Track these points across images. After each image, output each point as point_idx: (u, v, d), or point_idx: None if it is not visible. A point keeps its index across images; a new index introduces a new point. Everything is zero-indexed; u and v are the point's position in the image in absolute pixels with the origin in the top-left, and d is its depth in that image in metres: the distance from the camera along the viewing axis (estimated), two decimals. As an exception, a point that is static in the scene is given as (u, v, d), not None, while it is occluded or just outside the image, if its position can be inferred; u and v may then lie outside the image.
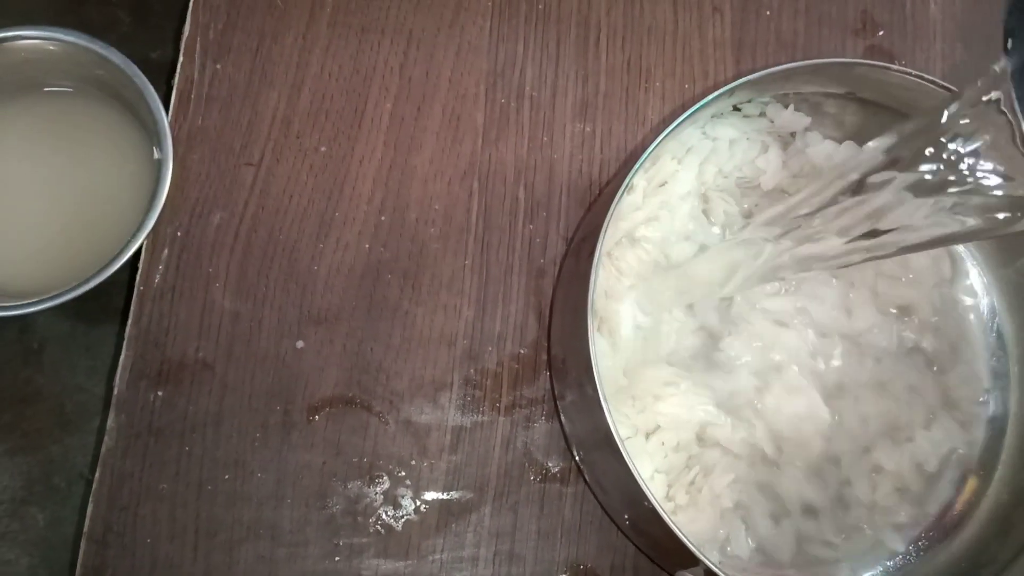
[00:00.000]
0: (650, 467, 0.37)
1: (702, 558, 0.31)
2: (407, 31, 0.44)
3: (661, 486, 0.37)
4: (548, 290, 0.42)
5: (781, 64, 0.37)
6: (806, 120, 0.41)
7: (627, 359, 0.38)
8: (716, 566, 0.31)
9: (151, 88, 0.39)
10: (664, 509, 0.31)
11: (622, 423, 0.37)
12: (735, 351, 0.39)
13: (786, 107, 0.40)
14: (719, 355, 0.39)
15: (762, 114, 0.41)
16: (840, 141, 0.41)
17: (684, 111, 0.35)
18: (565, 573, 0.39)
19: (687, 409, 0.37)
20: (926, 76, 0.36)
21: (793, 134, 0.42)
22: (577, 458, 0.40)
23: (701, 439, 0.38)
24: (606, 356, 0.38)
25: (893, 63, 0.46)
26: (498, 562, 0.39)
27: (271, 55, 0.43)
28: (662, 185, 0.40)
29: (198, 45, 0.43)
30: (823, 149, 0.41)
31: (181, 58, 0.43)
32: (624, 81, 0.44)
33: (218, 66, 0.43)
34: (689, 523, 0.36)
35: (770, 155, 0.41)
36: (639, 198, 0.40)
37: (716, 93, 0.35)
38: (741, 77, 0.36)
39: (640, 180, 0.40)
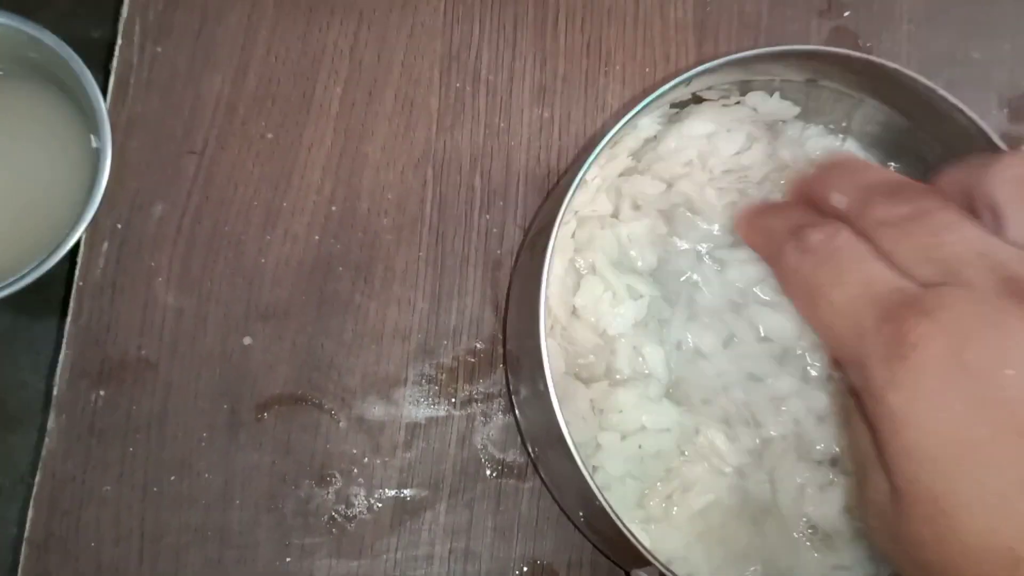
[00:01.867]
0: (621, 468, 0.36)
1: (652, 560, 0.31)
2: (358, 11, 0.43)
3: (634, 492, 0.36)
4: (504, 282, 0.41)
5: (744, 47, 0.35)
6: (795, 109, 0.39)
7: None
8: (667, 569, 0.31)
9: (87, 72, 0.37)
10: (615, 511, 0.31)
11: (585, 420, 0.36)
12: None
13: (771, 94, 0.38)
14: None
15: (739, 102, 0.40)
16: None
17: (645, 96, 0.34)
18: (522, 569, 0.39)
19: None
20: (888, 64, 0.35)
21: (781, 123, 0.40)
22: (532, 454, 0.39)
23: (682, 449, 0.37)
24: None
25: (859, 45, 0.45)
26: (454, 560, 0.38)
27: (214, 36, 0.41)
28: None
29: (137, 26, 0.41)
30: (822, 144, 0.39)
31: (119, 40, 0.41)
32: (583, 64, 0.43)
33: (158, 48, 0.41)
34: (660, 540, 0.35)
35: (754, 150, 0.39)
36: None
37: (674, 82, 0.34)
38: (703, 60, 0.35)
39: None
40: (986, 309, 0.25)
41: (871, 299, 0.26)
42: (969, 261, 0.26)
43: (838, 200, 0.30)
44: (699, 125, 0.38)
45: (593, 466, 0.35)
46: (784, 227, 0.30)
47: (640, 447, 0.36)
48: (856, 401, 0.28)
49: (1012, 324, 0.24)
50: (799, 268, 0.29)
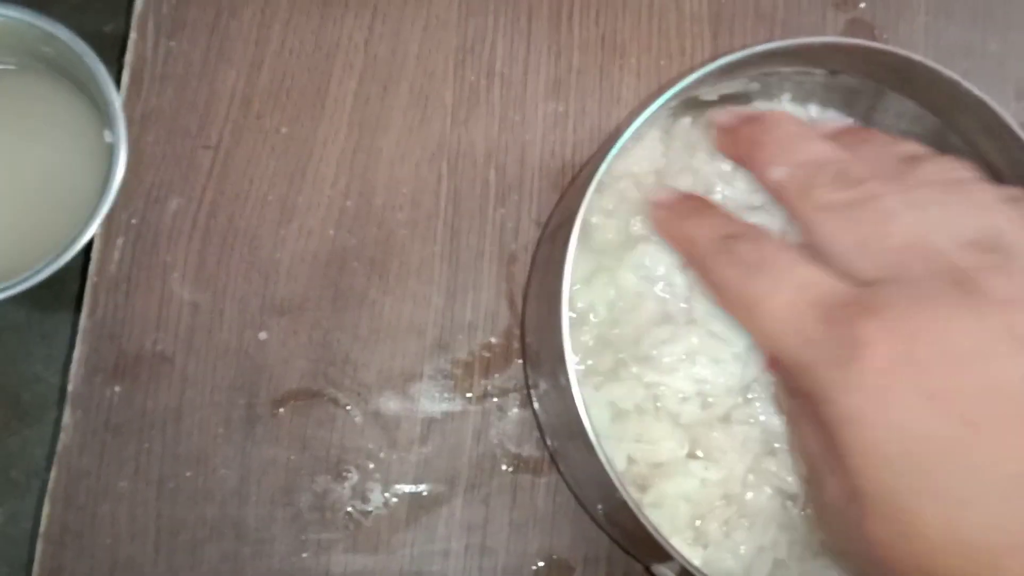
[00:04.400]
0: (681, 486, 0.35)
1: (675, 555, 0.31)
2: (372, 4, 0.42)
3: (685, 514, 0.35)
4: (520, 276, 0.40)
5: (759, 40, 0.35)
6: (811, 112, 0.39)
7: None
8: (689, 564, 0.31)
9: (101, 66, 0.37)
10: (636, 504, 0.31)
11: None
12: None
13: (772, 99, 0.38)
14: None
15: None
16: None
17: (661, 91, 0.34)
18: (538, 564, 0.38)
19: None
20: (911, 56, 0.34)
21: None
22: (551, 448, 0.39)
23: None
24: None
25: (875, 36, 0.45)
26: (470, 555, 0.38)
27: (228, 31, 0.41)
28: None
29: (150, 20, 0.41)
30: None
31: (133, 34, 0.41)
32: (598, 57, 0.43)
33: (172, 43, 0.41)
34: (715, 561, 0.35)
35: None
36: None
37: (695, 75, 0.33)
38: (718, 53, 0.35)
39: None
40: (931, 303, 0.24)
41: (810, 304, 0.26)
42: (913, 252, 0.25)
43: (777, 174, 0.29)
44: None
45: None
46: (707, 237, 0.30)
47: (706, 468, 0.35)
48: (800, 405, 0.28)
49: (957, 316, 0.24)
50: (730, 281, 0.28)
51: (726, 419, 0.36)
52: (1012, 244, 0.26)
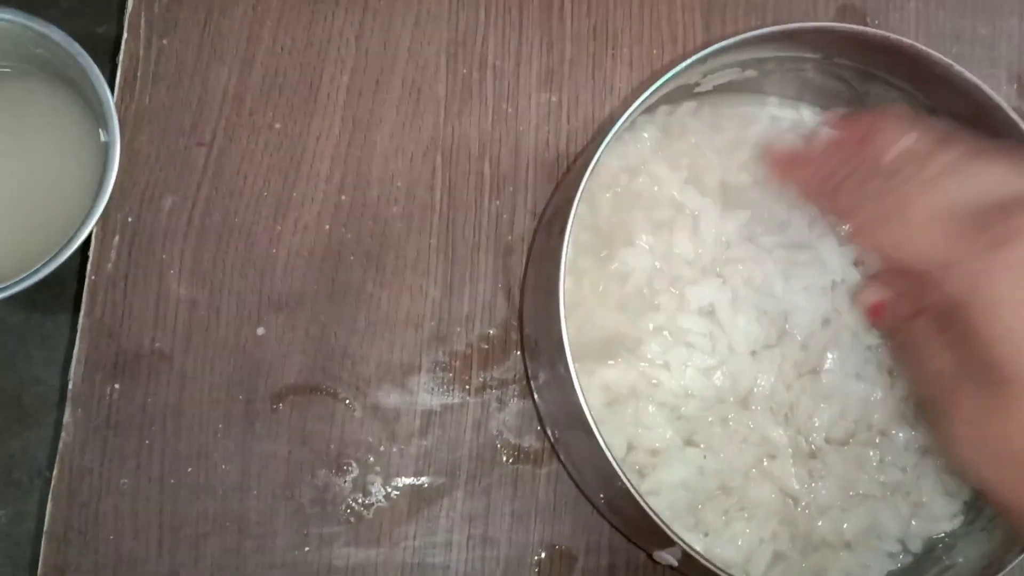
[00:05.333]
0: (678, 474, 0.36)
1: (678, 540, 0.31)
2: (362, 0, 0.42)
3: (684, 500, 0.36)
4: (516, 268, 0.41)
5: (751, 28, 0.35)
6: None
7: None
8: (691, 548, 0.31)
9: (95, 67, 0.37)
10: (638, 491, 0.31)
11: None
12: None
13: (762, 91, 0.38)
14: None
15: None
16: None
17: (653, 80, 0.34)
18: (540, 554, 0.39)
19: None
20: (903, 40, 0.35)
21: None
22: (552, 438, 0.39)
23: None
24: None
25: (866, 22, 0.45)
26: (472, 546, 0.38)
27: (220, 29, 0.41)
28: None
29: (142, 20, 0.41)
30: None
31: (125, 34, 0.41)
32: (590, 48, 0.43)
33: (164, 41, 0.41)
34: (714, 547, 0.35)
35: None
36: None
37: (687, 62, 0.34)
38: (711, 41, 0.35)
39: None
40: None
41: (956, 207, 0.28)
42: None
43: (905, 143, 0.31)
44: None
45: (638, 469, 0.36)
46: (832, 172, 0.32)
47: (704, 457, 0.36)
48: (927, 322, 0.29)
49: None
50: (865, 203, 0.31)
51: (724, 421, 0.36)
52: None
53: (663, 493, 0.35)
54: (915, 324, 0.30)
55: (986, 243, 0.27)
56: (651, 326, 0.36)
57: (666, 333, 0.36)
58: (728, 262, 0.37)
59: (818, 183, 0.34)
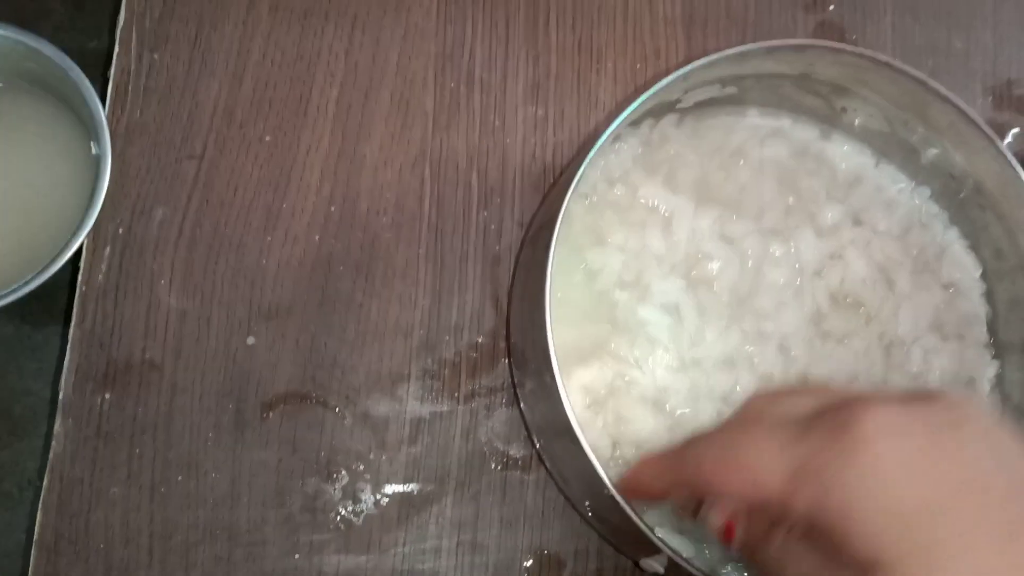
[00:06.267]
0: None
1: (663, 548, 0.31)
2: (351, 14, 0.43)
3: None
4: (504, 277, 0.41)
5: (732, 43, 0.36)
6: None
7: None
8: (677, 555, 0.31)
9: (86, 81, 0.37)
10: (624, 500, 0.31)
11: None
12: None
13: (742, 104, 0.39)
14: None
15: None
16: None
17: (637, 94, 0.35)
18: (528, 560, 0.39)
19: None
20: (880, 57, 0.36)
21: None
22: (538, 446, 0.39)
23: None
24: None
25: (844, 37, 0.46)
26: (461, 552, 0.39)
27: (210, 43, 0.42)
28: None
29: (134, 34, 0.42)
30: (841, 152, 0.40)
31: (117, 48, 0.41)
32: (575, 62, 0.44)
33: (155, 56, 0.42)
34: (701, 552, 0.35)
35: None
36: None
37: (670, 78, 0.34)
38: (692, 56, 0.36)
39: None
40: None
41: (789, 424, 0.28)
42: None
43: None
44: None
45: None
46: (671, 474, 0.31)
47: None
48: (785, 537, 0.28)
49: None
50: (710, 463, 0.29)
51: (708, 414, 0.37)
52: None
53: None
54: (773, 536, 0.29)
55: (822, 438, 0.26)
56: (616, 319, 0.37)
57: (628, 325, 0.37)
58: (700, 260, 0.38)
59: (660, 487, 0.32)
